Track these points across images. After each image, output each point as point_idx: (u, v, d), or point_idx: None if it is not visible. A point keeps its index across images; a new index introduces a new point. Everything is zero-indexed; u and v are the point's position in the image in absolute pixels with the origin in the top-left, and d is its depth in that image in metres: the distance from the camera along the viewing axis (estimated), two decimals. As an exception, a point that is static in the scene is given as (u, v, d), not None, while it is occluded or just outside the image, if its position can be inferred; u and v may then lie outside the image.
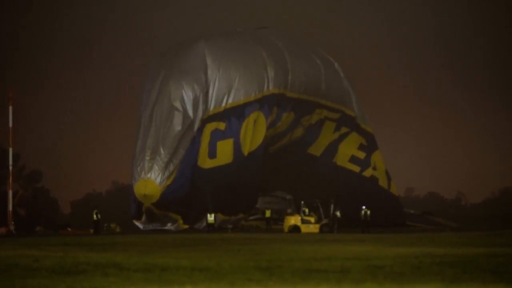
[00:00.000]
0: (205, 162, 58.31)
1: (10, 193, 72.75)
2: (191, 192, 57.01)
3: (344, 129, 69.73)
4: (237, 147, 59.71)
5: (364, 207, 57.00)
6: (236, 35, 66.94)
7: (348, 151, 69.67)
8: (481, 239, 34.06)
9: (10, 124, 71.09)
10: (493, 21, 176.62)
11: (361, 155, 70.25)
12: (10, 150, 72.67)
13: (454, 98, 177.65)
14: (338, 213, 55.68)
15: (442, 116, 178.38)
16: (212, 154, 58.56)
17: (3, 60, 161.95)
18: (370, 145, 71.09)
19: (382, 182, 70.88)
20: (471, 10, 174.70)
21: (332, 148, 69.22)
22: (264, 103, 61.99)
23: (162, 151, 56.74)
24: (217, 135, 58.88)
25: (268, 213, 62.86)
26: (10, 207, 71.36)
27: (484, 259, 17.94)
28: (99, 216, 57.80)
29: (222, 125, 59.27)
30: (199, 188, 57.47)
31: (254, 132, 61.10)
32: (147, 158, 56.32)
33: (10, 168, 73.84)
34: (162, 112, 57.84)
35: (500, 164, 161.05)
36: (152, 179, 55.78)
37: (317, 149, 68.89)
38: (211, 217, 55.54)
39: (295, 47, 68.70)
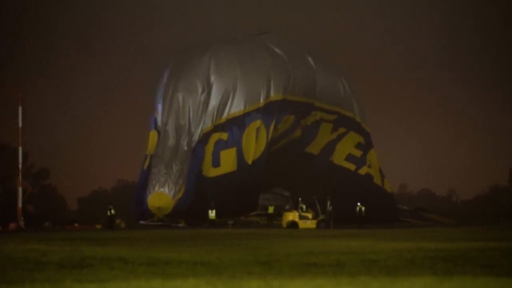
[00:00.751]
0: (209, 171, 59.27)
1: (20, 190, 72.73)
2: (197, 200, 57.54)
3: (341, 130, 69.80)
4: (240, 155, 60.61)
5: (359, 203, 57.10)
6: (239, 44, 66.75)
7: (345, 150, 69.75)
8: (472, 234, 34.06)
9: (20, 124, 71.06)
10: (487, 20, 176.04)
11: (358, 153, 70.32)
12: (20, 149, 72.65)
13: (447, 99, 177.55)
14: (330, 208, 55.79)
15: (435, 115, 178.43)
16: (216, 163, 59.55)
17: (13, 62, 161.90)
18: (367, 144, 71.18)
19: (377, 180, 70.91)
20: (468, 9, 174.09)
21: (330, 147, 69.32)
22: (265, 111, 62.50)
23: (174, 167, 58.02)
24: (220, 145, 59.94)
25: (271, 209, 63.15)
26: (20, 204, 71.38)
27: (474, 253, 17.93)
28: (112, 211, 58.51)
29: (224, 135, 60.28)
30: (204, 195, 57.95)
31: (256, 141, 61.67)
32: (162, 172, 57.69)
33: (20, 166, 73.82)
34: (173, 129, 59.33)
35: (490, 162, 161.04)
36: (166, 193, 57.08)
37: (314, 148, 69.01)
38: (212, 213, 55.65)
39: (293, 50, 68.58)
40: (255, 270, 14.29)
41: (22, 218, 69.69)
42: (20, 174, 74.02)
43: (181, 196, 57.21)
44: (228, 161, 59.92)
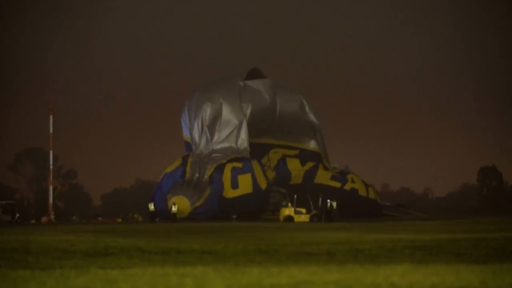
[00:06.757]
0: (229, 193, 60.07)
1: (51, 188, 72.92)
2: (214, 214, 58.29)
3: (310, 163, 69.72)
4: (255, 181, 61.41)
5: (328, 200, 57.03)
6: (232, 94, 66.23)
7: (326, 174, 69.76)
8: (445, 226, 34.01)
9: (51, 131, 71.24)
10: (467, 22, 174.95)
11: (338, 174, 70.41)
12: (51, 152, 72.86)
13: (420, 109, 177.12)
14: (321, 205, 56.18)
15: (412, 125, 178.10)
16: (235, 186, 61.01)
17: (45, 76, 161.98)
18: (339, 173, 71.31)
19: (361, 192, 70.47)
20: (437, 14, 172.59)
21: (311, 174, 69.37)
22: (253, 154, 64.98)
23: (198, 187, 59.89)
24: (236, 171, 61.53)
25: None
26: (51, 200, 71.58)
27: (447, 243, 17.91)
28: (152, 208, 58.91)
29: (239, 164, 61.32)
30: (223, 212, 58.49)
31: (263, 174, 63.28)
32: (191, 185, 59.60)
33: (50, 167, 74.00)
34: (197, 166, 61.87)
35: (461, 163, 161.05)
36: (185, 199, 58.41)
37: (297, 179, 69.20)
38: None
39: (262, 95, 67.46)
40: (256, 259, 14.28)
41: (53, 213, 69.77)
42: (51, 175, 74.09)
43: (200, 204, 57.90)
44: (245, 184, 61.22)
